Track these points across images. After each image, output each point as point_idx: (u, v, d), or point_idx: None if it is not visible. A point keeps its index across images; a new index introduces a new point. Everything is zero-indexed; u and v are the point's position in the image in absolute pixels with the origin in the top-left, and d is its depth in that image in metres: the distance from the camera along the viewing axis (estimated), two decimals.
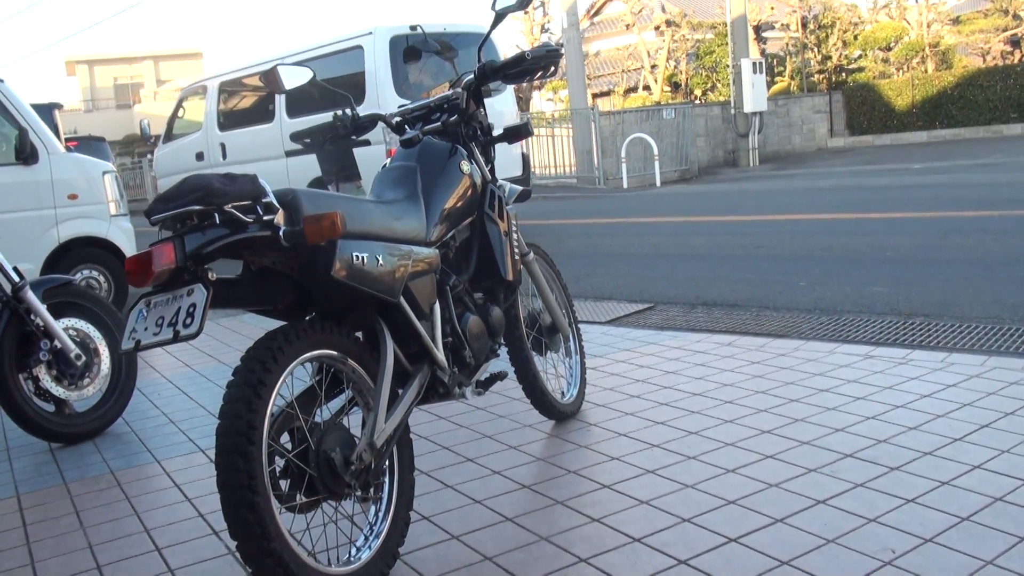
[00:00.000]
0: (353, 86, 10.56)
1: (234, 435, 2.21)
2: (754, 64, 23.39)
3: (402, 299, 2.74)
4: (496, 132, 3.58)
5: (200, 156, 13.18)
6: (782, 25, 31.61)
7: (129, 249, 8.15)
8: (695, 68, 32.61)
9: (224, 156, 12.74)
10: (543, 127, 23.39)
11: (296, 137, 3.52)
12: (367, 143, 9.01)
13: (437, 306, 3.00)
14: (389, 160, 3.26)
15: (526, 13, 31.57)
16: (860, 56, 31.09)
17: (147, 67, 51.50)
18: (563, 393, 4.09)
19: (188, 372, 5.67)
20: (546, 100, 38.01)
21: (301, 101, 11.52)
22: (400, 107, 3.52)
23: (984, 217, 9.56)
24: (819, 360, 4.60)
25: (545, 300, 3.99)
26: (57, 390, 4.43)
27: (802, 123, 27.07)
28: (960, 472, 3.04)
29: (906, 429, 3.49)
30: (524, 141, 14.73)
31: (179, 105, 14.20)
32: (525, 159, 12.66)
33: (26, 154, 7.51)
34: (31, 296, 4.33)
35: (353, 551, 2.63)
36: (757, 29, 29.15)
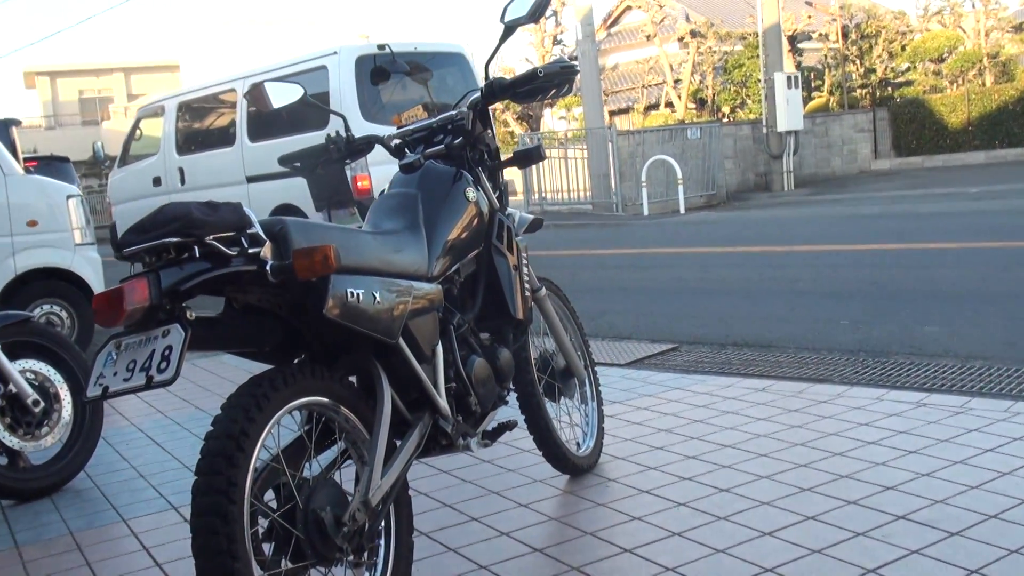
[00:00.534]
0: (317, 110, 10.66)
1: (213, 493, 2.20)
2: (789, 78, 23.48)
3: (401, 340, 2.74)
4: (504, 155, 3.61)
5: (157, 181, 13.33)
6: (820, 35, 31.74)
7: (96, 282, 8.14)
8: (723, 83, 32.78)
9: (182, 181, 12.90)
10: (555, 148, 23.49)
11: (285, 161, 3.54)
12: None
13: (439, 348, 3.00)
14: (388, 186, 3.28)
15: (537, 25, 31.81)
16: (908, 68, 31.18)
17: (117, 80, 51.83)
18: (578, 444, 4.08)
19: (160, 419, 5.67)
20: (558, 119, 38.24)
21: (264, 123, 11.77)
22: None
23: None
24: (865, 408, 4.58)
25: (559, 341, 3.99)
26: (11, 440, 4.39)
27: (842, 143, 27.15)
28: None
29: (966, 488, 3.45)
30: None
31: (135, 126, 14.40)
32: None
33: None
34: None
35: None
36: (792, 39, 29.30)
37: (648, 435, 4.48)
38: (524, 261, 3.53)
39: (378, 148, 3.59)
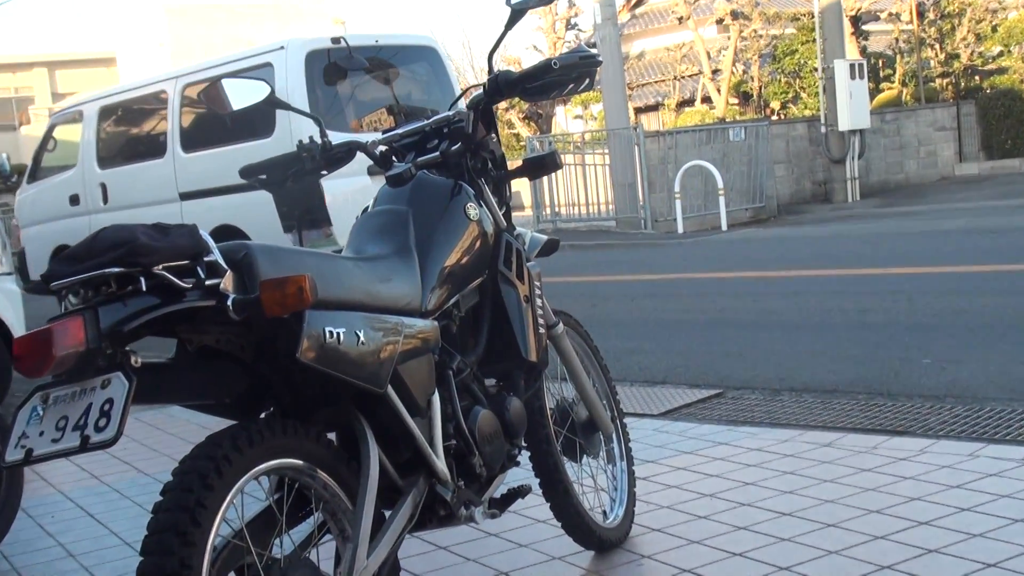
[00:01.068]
0: (260, 114, 10.73)
1: None
2: (852, 66, 23.51)
3: (390, 389, 2.74)
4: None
5: (75, 200, 13.37)
6: (890, 15, 31.69)
7: (16, 321, 8.12)
8: (771, 73, 32.83)
9: (105, 200, 12.93)
10: (570, 153, 23.53)
11: (248, 173, 3.55)
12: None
13: (436, 398, 3.01)
14: (372, 202, 3.29)
15: (548, 7, 31.95)
16: (1001, 54, 31.10)
17: (39, 76, 52.05)
18: (605, 513, 4.07)
19: (95, 486, 5.66)
20: (573, 118, 38.38)
21: (199, 130, 11.90)
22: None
23: None
24: (955, 467, 4.56)
25: (580, 387, 3.98)
26: None
27: (919, 144, 27.17)
28: None
29: None
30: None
31: (48, 134, 14.43)
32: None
33: None
34: None
35: None
36: (856, 21, 29.33)
37: (689, 501, 4.47)
38: (537, 291, 3.53)
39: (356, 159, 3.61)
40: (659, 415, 6.10)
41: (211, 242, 2.41)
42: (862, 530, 3.92)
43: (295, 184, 3.66)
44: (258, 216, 10.64)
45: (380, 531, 2.71)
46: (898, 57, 31.51)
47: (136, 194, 12.53)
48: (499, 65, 3.78)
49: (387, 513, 2.81)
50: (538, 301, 3.53)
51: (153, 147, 12.52)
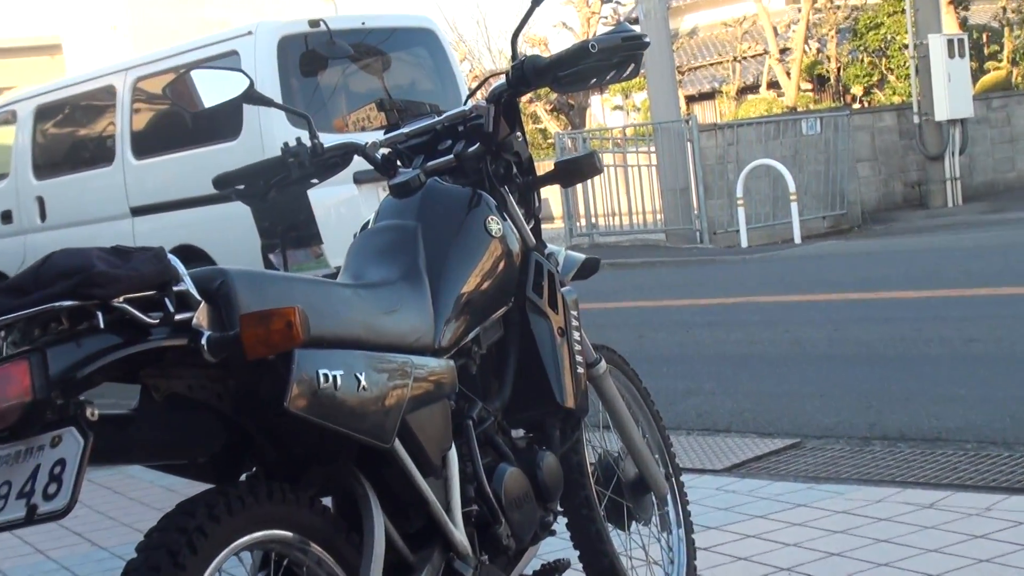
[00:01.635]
0: (224, 112, 10.69)
1: None
2: (951, 43, 23.44)
3: (397, 443, 2.73)
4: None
5: (7, 216, 13.39)
6: None
7: None
8: (851, 52, 32.79)
9: (42, 216, 12.94)
10: (609, 152, 23.53)
11: (224, 183, 3.55)
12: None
13: (453, 454, 3.00)
14: (373, 217, 3.29)
15: None
16: None
17: None
18: None
19: (40, 562, 5.66)
20: (611, 109, 38.41)
21: (155, 133, 11.99)
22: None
23: None
24: None
25: (627, 438, 3.97)
26: None
27: None
28: None
29: None
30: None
31: None
32: None
33: None
34: None
35: None
36: None
37: None
38: (574, 322, 3.53)
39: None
40: (723, 471, 6.08)
41: (181, 268, 2.41)
42: None
43: (279, 195, 3.67)
44: (226, 234, 10.65)
45: None
46: (1006, 31, 31.45)
47: (79, 209, 12.50)
48: (524, 49, 3.76)
49: None
50: (575, 334, 3.52)
51: (99, 153, 12.55)
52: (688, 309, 13.37)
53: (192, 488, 2.56)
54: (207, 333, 2.37)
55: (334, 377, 2.55)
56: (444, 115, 3.59)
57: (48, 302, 2.25)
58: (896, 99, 29.46)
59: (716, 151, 22.03)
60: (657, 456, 4.10)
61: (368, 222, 3.35)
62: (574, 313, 3.55)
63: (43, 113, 13.38)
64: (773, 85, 34.54)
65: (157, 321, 2.32)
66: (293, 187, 3.60)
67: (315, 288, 2.66)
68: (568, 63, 3.37)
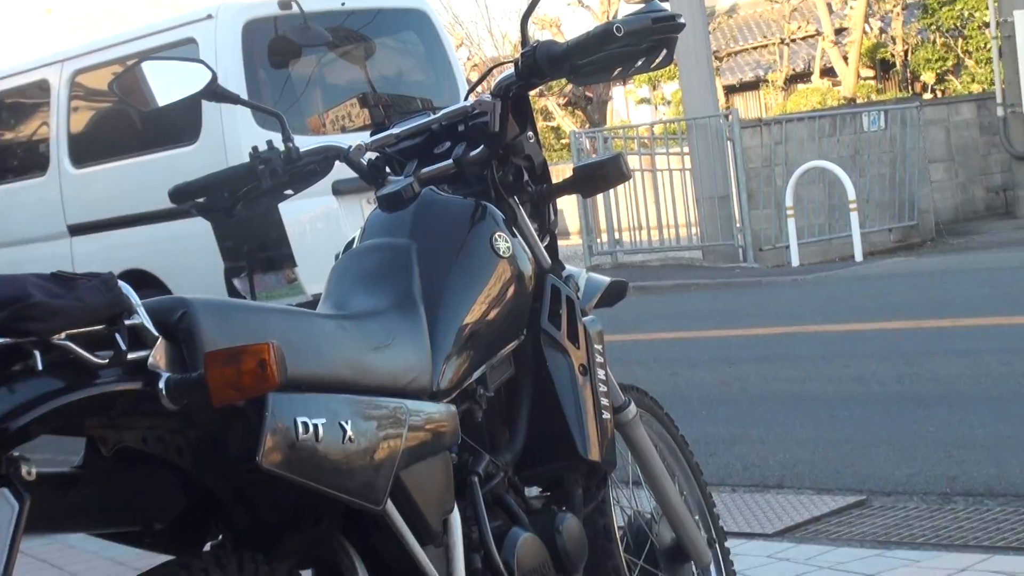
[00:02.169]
0: (179, 110, 10.69)
1: None
2: None
3: (390, 504, 2.72)
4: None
5: None
6: None
7: None
8: (921, 32, 32.80)
9: None
10: (635, 154, 23.52)
11: (182, 195, 3.55)
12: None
13: (456, 516, 2.99)
14: (359, 234, 3.28)
15: None
16: None
17: None
18: None
19: None
20: (637, 103, 38.44)
21: (98, 136, 12.08)
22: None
23: None
24: None
25: (662, 497, 3.96)
26: None
27: None
28: None
29: None
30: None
31: None
32: None
33: None
34: None
35: None
36: None
37: None
38: (599, 358, 3.52)
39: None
40: (775, 535, 6.07)
41: (135, 298, 2.38)
42: None
43: (247, 210, 3.66)
44: (183, 257, 10.68)
45: None
46: None
47: (6, 227, 12.54)
48: (535, 33, 3.74)
49: None
50: (600, 372, 3.51)
51: (30, 160, 12.61)
52: (730, 341, 13.37)
53: (146, 560, 2.56)
54: (166, 375, 2.34)
55: (315, 426, 2.52)
56: (441, 112, 3.58)
57: None
58: (975, 88, 29.47)
59: (761, 152, 22.01)
60: (697, 518, 4.09)
61: (352, 241, 3.34)
62: (598, 347, 3.53)
63: None
64: (828, 72, 34.54)
65: (106, 361, 2.28)
66: (263, 200, 3.59)
67: (292, 320, 2.65)
68: (589, 49, 3.33)
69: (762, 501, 6.69)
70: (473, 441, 3.17)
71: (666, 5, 3.97)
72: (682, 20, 3.46)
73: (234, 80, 10.47)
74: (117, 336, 2.31)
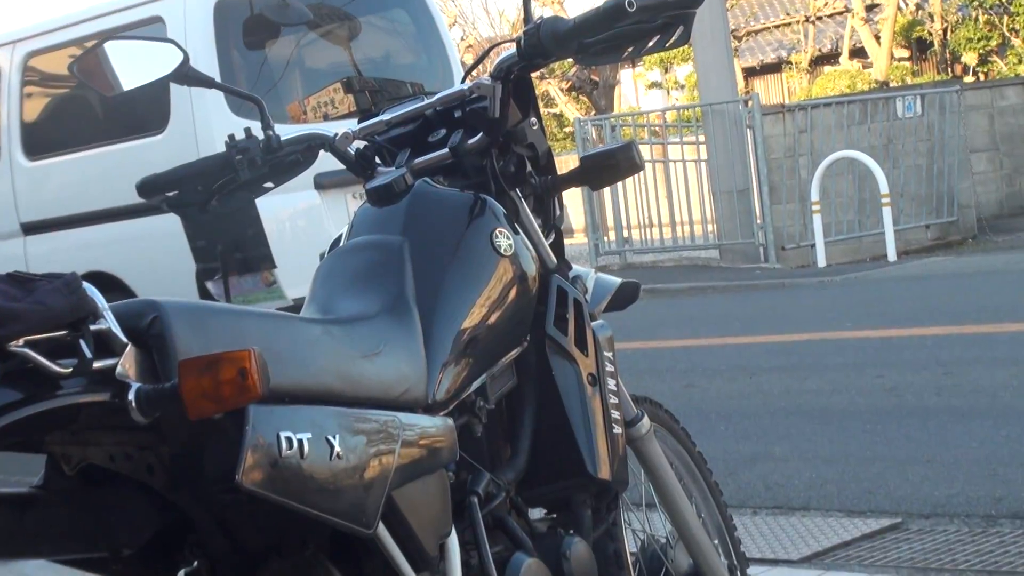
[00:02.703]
0: (145, 96, 10.74)
1: None
2: None
3: (382, 528, 2.72)
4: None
5: None
6: None
7: None
8: (961, 8, 32.82)
9: None
10: (646, 144, 23.48)
11: (150, 189, 3.55)
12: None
13: (454, 540, 2.98)
14: (346, 230, 3.29)
15: None
16: None
17: None
18: None
19: None
20: (647, 87, 38.48)
21: (53, 125, 12.18)
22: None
23: None
24: None
25: (677, 518, 3.95)
26: None
27: None
28: None
29: None
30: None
31: None
32: None
33: None
34: None
35: None
36: None
37: None
38: (609, 367, 3.51)
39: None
40: (801, 561, 6.07)
41: (101, 301, 2.38)
42: None
43: (221, 205, 3.66)
44: (149, 257, 10.71)
45: None
46: None
47: None
48: (537, 8, 3.75)
49: None
50: (610, 383, 3.51)
51: None
52: (751, 348, 13.38)
53: None
54: (135, 385, 2.34)
55: (300, 442, 2.52)
56: (435, 97, 3.57)
57: None
58: (1022, 70, 29.47)
59: (784, 140, 21.99)
60: (717, 542, 4.09)
61: (339, 239, 3.34)
62: (608, 355, 3.53)
63: None
64: (858, 53, 34.57)
65: (69, 370, 2.28)
66: (240, 194, 3.58)
67: (275, 325, 2.64)
68: (598, 26, 3.30)
69: (787, 524, 6.69)
70: (472, 458, 3.16)
71: None
72: None
73: (205, 62, 10.45)
74: (81, 343, 2.30)
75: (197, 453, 2.45)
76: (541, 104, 35.36)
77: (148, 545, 2.61)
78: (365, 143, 3.55)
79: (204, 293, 9.82)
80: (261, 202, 9.20)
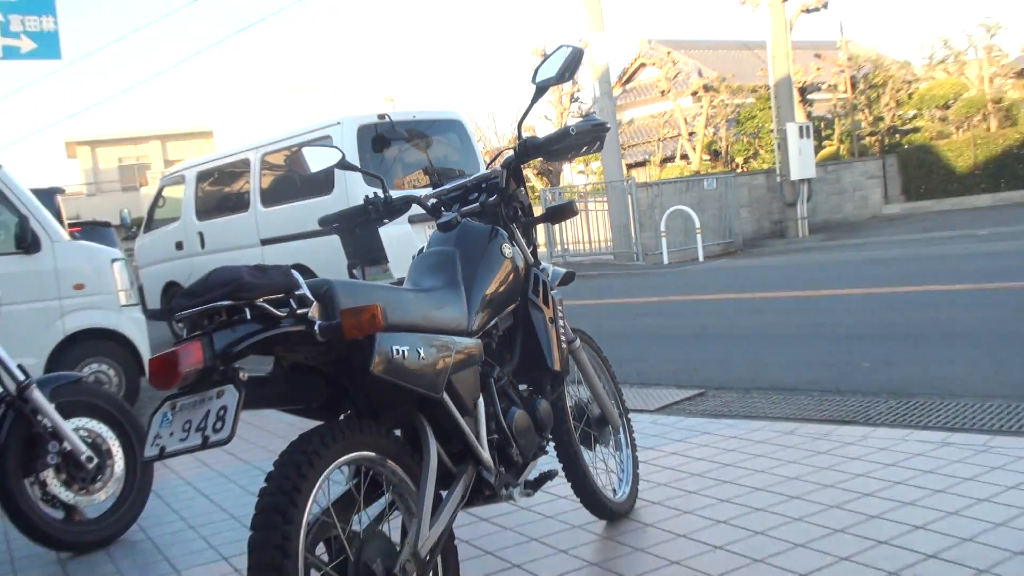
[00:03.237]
0: (323, 176, 10.81)
1: (269, 548, 2.19)
2: (801, 128, 23.44)
3: (445, 394, 2.73)
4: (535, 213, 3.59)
5: (180, 245, 13.60)
6: (829, 86, 31.72)
7: (141, 341, 8.17)
8: (736, 134, 32.76)
9: (202, 245, 13.16)
10: (579, 200, 23.44)
11: (326, 222, 3.56)
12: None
13: (481, 401, 2.99)
14: (426, 245, 3.28)
15: (559, 85, 31.82)
16: (915, 116, 31.12)
17: (154, 147, 52.18)
18: (615, 491, 4.05)
19: (207, 472, 5.66)
20: (577, 172, 38.30)
21: (276, 189, 12.13)
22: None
23: None
24: (891, 449, 4.53)
25: (593, 390, 3.96)
26: (66, 495, 4.40)
27: (854, 189, 27.05)
28: None
29: (992, 526, 3.42)
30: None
31: (159, 193, 14.77)
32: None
33: (27, 242, 7.52)
34: (38, 395, 4.30)
35: None
36: (802, 91, 29.30)
37: (681, 480, 4.44)
38: (560, 314, 3.51)
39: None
40: (654, 411, 6.05)
41: (300, 279, 2.40)
42: (820, 501, 3.90)
43: (361, 231, 3.67)
44: (323, 256, 10.77)
45: (438, 508, 2.69)
46: (836, 120, 31.45)
47: (226, 240, 12.70)
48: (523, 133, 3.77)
49: (443, 494, 2.79)
50: (560, 322, 3.50)
51: (239, 203, 12.69)
52: (630, 305, 13.34)
53: (307, 424, 2.56)
54: (318, 322, 2.36)
55: (403, 351, 2.54)
56: (472, 177, 3.57)
57: (212, 303, 2.26)
58: (765, 165, 29.39)
59: (647, 200, 21.91)
60: (613, 401, 4.08)
61: (422, 248, 3.34)
62: (560, 308, 3.53)
63: (202, 176, 13.59)
64: (684, 157, 34.39)
65: (285, 315, 2.32)
66: (371, 225, 3.59)
67: (390, 292, 2.64)
68: (556, 141, 3.37)
69: (646, 392, 6.67)
70: (490, 359, 3.17)
71: (604, 121, 3.98)
72: (609, 125, 3.48)
73: (351, 158, 10.47)
74: (291, 301, 2.35)
75: (350, 356, 2.45)
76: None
77: (325, 402, 2.61)
78: (435, 200, 3.54)
79: (351, 276, 9.80)
80: (382, 230, 9.19)
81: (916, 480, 4.01)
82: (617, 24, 71.17)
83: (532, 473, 3.26)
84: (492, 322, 3.17)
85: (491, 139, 38.08)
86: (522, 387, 3.36)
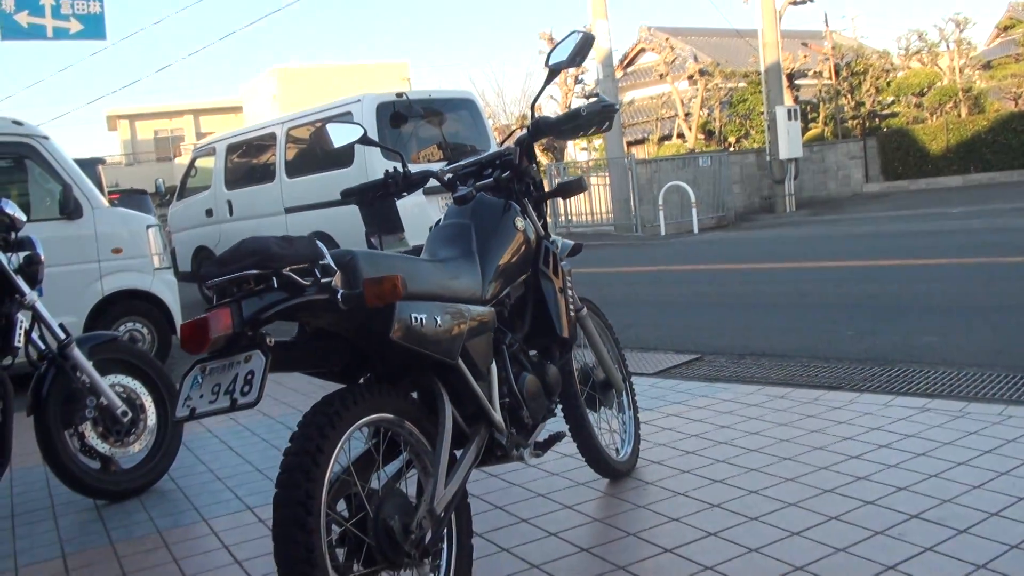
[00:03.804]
0: (343, 149, 10.75)
1: (293, 505, 2.14)
2: (789, 111, 23.30)
3: (460, 360, 2.66)
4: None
5: (209, 212, 13.61)
6: (815, 72, 31.61)
7: (173, 303, 8.17)
8: (729, 116, 32.57)
9: (231, 212, 13.18)
10: (583, 176, 23.37)
11: (347, 194, 3.48)
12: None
13: (494, 366, 2.92)
14: (442, 217, 3.21)
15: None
16: (893, 102, 31.01)
17: (187, 121, 52.10)
18: (617, 450, 3.99)
19: (234, 427, 5.62)
20: (580, 149, 38.13)
21: (300, 162, 12.08)
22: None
23: None
24: (875, 414, 4.47)
25: (598, 355, 3.90)
26: (103, 447, 4.42)
27: (837, 169, 26.94)
28: None
29: (969, 488, 3.37)
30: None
31: (192, 164, 14.77)
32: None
33: (70, 209, 7.53)
34: (77, 353, 4.33)
35: None
36: (791, 77, 29.14)
37: (679, 440, 4.39)
38: (568, 284, 3.44)
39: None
40: (654, 374, 5.99)
41: (325, 250, 2.33)
42: (810, 463, 3.84)
43: (380, 202, 3.60)
44: (342, 225, 10.73)
45: (453, 468, 2.64)
46: (821, 104, 31.29)
47: (253, 208, 12.72)
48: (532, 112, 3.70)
49: (457, 454, 2.73)
50: (569, 291, 3.44)
51: (265, 174, 12.67)
52: (630, 273, 13.28)
53: (329, 386, 2.50)
54: (341, 291, 2.30)
55: (421, 319, 2.48)
56: (487, 153, 3.49)
57: (241, 271, 2.20)
58: (755, 145, 29.22)
59: (646, 176, 21.83)
60: (616, 365, 4.02)
61: (439, 221, 3.27)
62: (568, 278, 3.46)
63: (232, 148, 13.55)
64: (680, 136, 34.19)
65: (310, 283, 2.24)
66: (389, 197, 3.52)
67: (409, 262, 2.58)
68: (567, 121, 3.29)
69: (646, 356, 6.62)
70: (503, 326, 3.10)
71: (607, 98, 3.89)
72: (617, 106, 3.40)
73: (371, 134, 10.39)
74: (315, 270, 2.27)
75: (371, 323, 2.39)
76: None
77: (346, 366, 2.55)
78: (451, 175, 3.46)
79: (369, 244, 9.74)
80: (399, 202, 9.11)
81: (899, 444, 3.96)
82: (620, 11, 70.63)
83: (541, 435, 3.20)
84: (505, 291, 3.09)
85: (499, 116, 37.89)
86: (532, 353, 3.29)
